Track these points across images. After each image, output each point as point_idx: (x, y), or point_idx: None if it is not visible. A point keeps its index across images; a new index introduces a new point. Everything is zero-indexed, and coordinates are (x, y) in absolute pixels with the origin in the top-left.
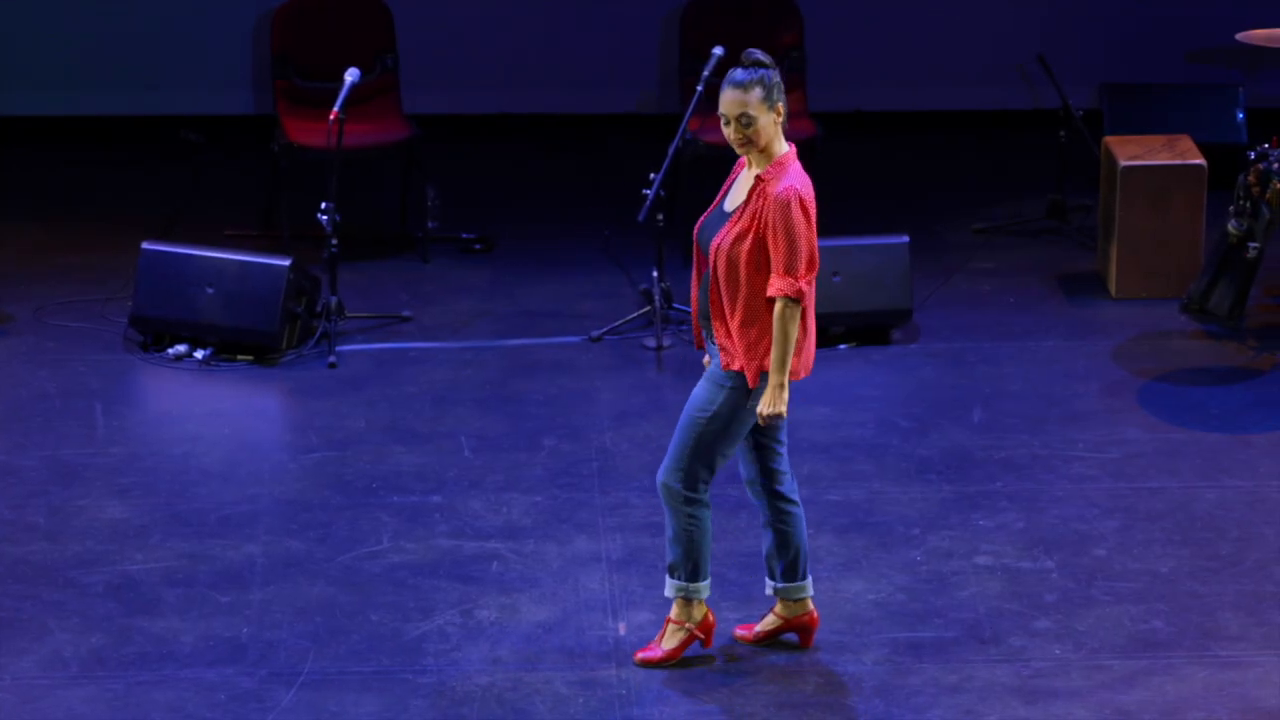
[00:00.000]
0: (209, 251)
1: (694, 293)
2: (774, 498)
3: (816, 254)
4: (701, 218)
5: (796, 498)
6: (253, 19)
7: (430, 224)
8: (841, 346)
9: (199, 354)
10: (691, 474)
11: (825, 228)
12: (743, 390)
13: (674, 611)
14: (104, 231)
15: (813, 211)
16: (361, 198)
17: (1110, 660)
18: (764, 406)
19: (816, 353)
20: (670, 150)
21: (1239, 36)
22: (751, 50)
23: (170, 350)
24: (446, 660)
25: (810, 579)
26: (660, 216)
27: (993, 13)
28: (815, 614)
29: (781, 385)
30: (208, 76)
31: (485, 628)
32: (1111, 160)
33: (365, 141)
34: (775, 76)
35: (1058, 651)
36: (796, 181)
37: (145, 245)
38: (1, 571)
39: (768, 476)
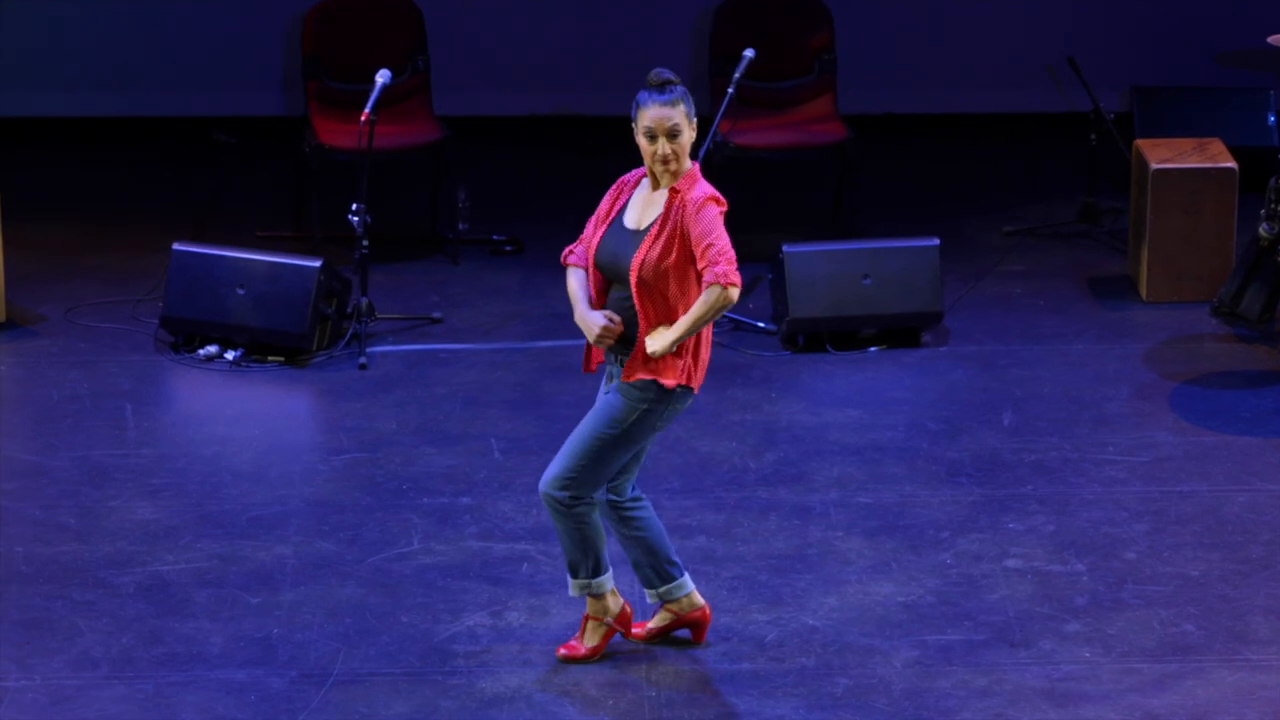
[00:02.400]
0: (240, 253)
1: (586, 313)
2: (615, 508)
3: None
4: (595, 239)
5: (638, 497)
6: (284, 20)
7: (461, 226)
8: (872, 349)
9: (229, 355)
10: (583, 484)
11: (856, 230)
12: (658, 402)
13: (591, 608)
14: (135, 232)
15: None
16: (392, 199)
17: (1140, 664)
18: (653, 344)
19: (846, 355)
20: (700, 153)
21: (1270, 39)
22: (661, 70)
23: (201, 351)
24: (476, 662)
25: (686, 574)
26: None
27: (1023, 15)
28: (707, 609)
29: (675, 342)
30: (239, 78)
31: (515, 629)
32: (1142, 163)
33: (396, 143)
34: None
35: (1088, 655)
36: (708, 188)
37: (176, 246)
38: (32, 572)
39: (613, 491)
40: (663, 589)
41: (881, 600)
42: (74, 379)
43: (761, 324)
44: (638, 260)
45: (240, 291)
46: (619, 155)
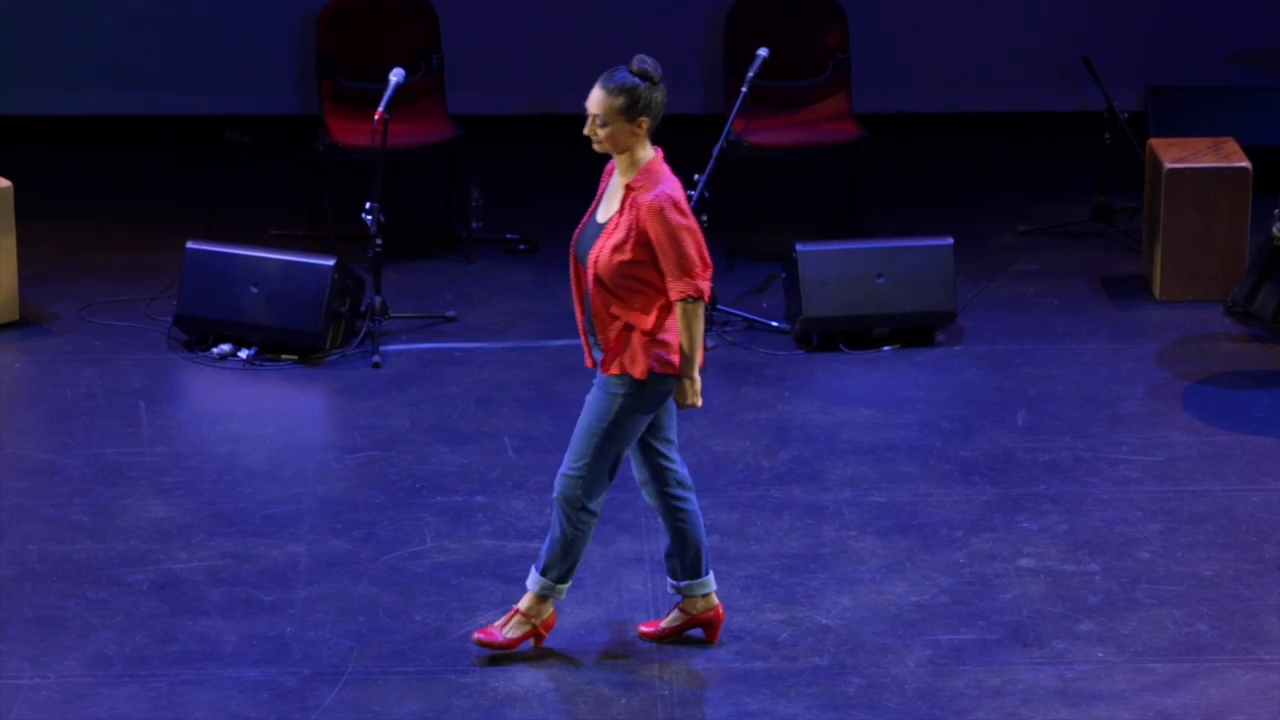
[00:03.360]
0: (253, 251)
1: (578, 307)
2: (667, 498)
3: (705, 249)
4: (576, 231)
5: (688, 492)
6: (297, 19)
7: (474, 224)
8: (885, 348)
9: (243, 353)
10: (592, 482)
11: (870, 229)
12: (635, 393)
13: (525, 604)
14: (149, 231)
15: (688, 209)
16: (406, 198)
17: (1154, 663)
18: (682, 400)
19: (859, 354)
20: (715, 151)
21: None
22: (643, 58)
23: (214, 350)
24: (489, 660)
25: (711, 574)
26: (705, 217)
27: (1037, 15)
28: (720, 609)
29: (693, 379)
30: (253, 76)
31: None
32: (1156, 163)
33: (410, 141)
34: (653, 94)
35: (1101, 654)
36: (666, 186)
37: (190, 245)
38: (46, 570)
39: (659, 477)
40: (685, 584)
41: (895, 599)
42: (88, 377)
43: (775, 323)
44: (593, 256)
45: (254, 290)
46: None
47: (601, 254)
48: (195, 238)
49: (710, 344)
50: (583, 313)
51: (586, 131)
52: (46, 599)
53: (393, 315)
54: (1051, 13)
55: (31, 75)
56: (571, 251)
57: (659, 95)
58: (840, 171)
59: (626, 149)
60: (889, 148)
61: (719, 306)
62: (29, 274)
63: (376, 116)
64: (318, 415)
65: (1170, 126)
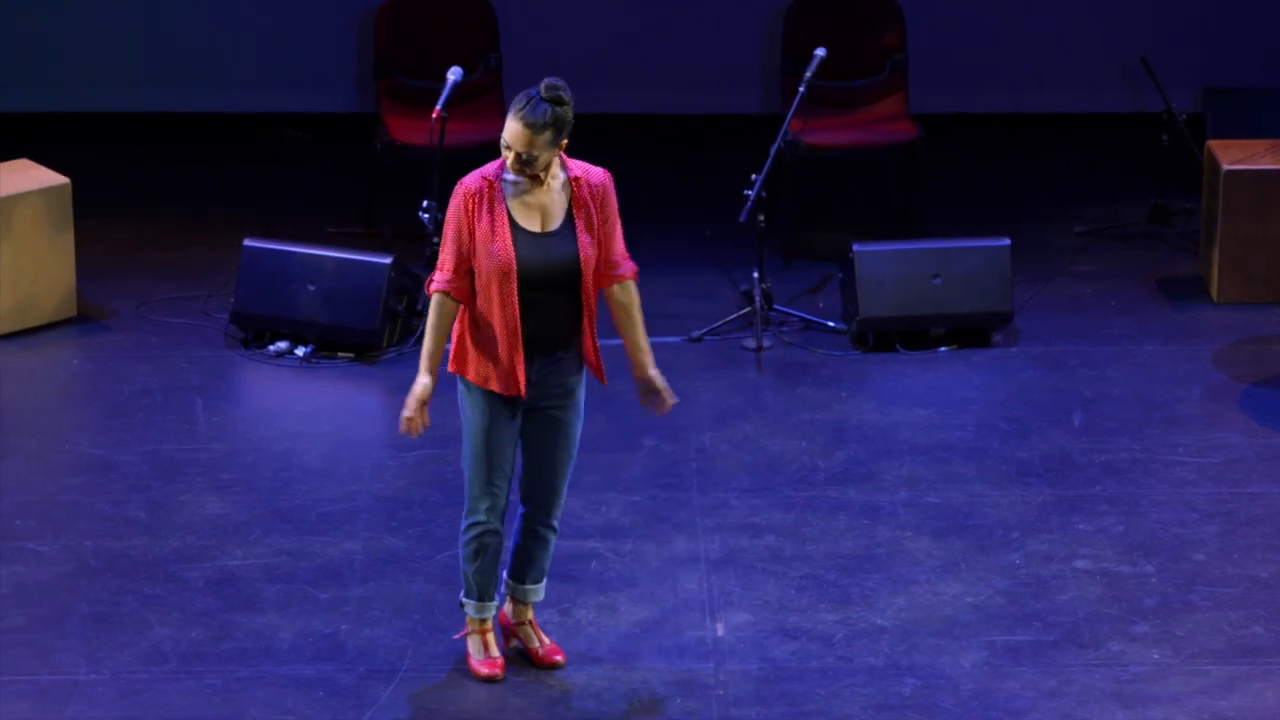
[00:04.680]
0: (310, 249)
1: (509, 331)
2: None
3: None
4: (504, 250)
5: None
6: (356, 17)
7: None
8: (942, 349)
9: (299, 351)
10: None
11: (926, 230)
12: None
13: (532, 614)
14: (207, 228)
15: None
16: None
17: (1209, 665)
18: (667, 393)
19: (916, 354)
20: (772, 151)
21: None
22: (554, 81)
23: (271, 347)
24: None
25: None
26: (761, 217)
27: (1096, 15)
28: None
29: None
30: (311, 74)
31: (583, 627)
32: (1214, 164)
33: (467, 140)
34: (569, 112)
35: (1156, 656)
36: (598, 168)
37: (247, 242)
38: (102, 566)
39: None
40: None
41: (950, 600)
42: (144, 374)
43: (831, 323)
44: (586, 259)
45: (311, 288)
46: (684, 153)
47: (589, 254)
48: (253, 235)
49: (767, 344)
50: (521, 333)
51: (510, 167)
52: (102, 595)
53: None
54: (1110, 14)
55: (92, 72)
56: (507, 270)
57: (572, 109)
58: (897, 172)
59: (549, 165)
60: (946, 148)
61: (776, 306)
62: (87, 270)
63: (434, 115)
64: (374, 413)
65: (1228, 128)
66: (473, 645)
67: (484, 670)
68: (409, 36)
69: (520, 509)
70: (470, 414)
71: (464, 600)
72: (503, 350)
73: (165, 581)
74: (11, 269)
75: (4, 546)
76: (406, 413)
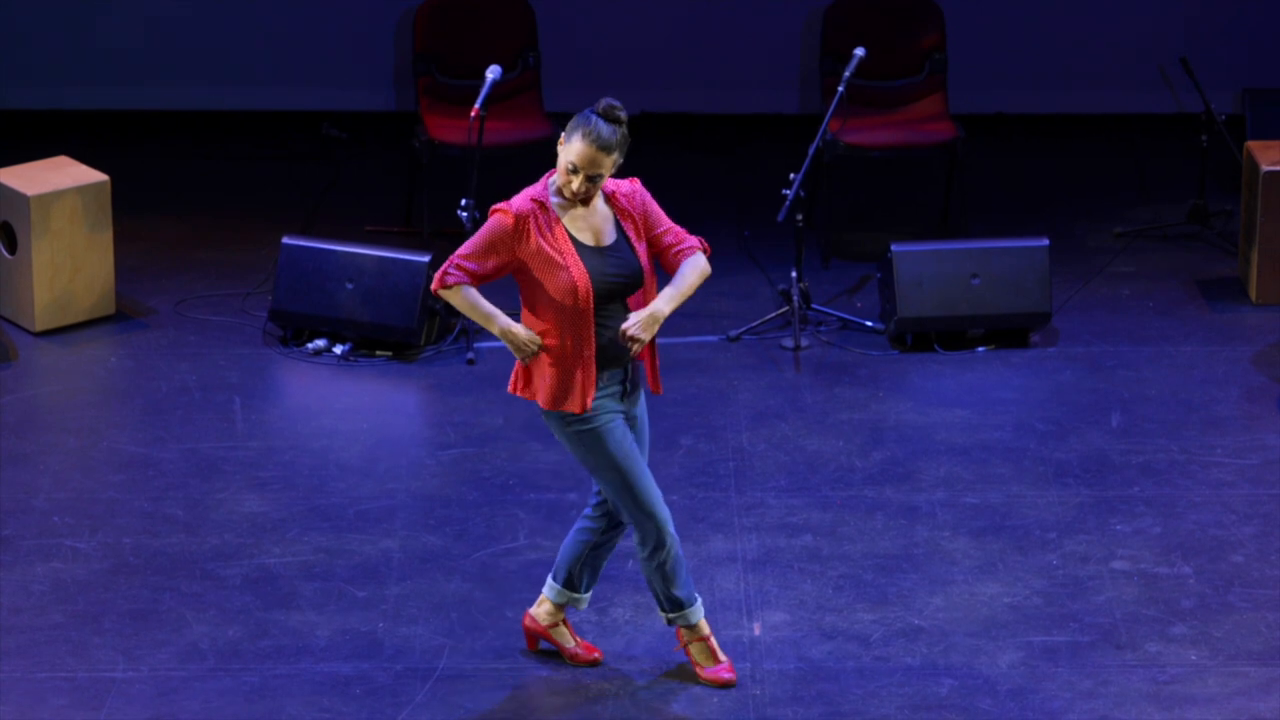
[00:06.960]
0: (349, 247)
1: (584, 346)
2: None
3: None
4: (577, 272)
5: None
6: (396, 16)
7: None
8: (980, 349)
9: (338, 349)
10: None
11: (965, 230)
12: None
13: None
14: (245, 226)
15: None
16: (501, 195)
17: (1247, 667)
18: (643, 328)
19: (954, 355)
20: (810, 151)
21: None
22: (612, 102)
23: (309, 345)
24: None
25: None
26: (799, 217)
27: (1135, 16)
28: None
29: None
30: (351, 73)
31: (620, 626)
32: (1254, 165)
33: (506, 139)
34: (627, 132)
35: (1194, 658)
36: (622, 178)
37: (286, 240)
38: (140, 563)
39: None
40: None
41: (987, 601)
42: (183, 371)
43: (869, 323)
44: (647, 267)
45: (349, 286)
46: (722, 152)
47: (646, 263)
48: (292, 233)
49: (805, 343)
50: (595, 347)
51: (575, 189)
52: (140, 592)
53: None
54: (1149, 14)
55: (131, 70)
56: (588, 291)
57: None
58: (936, 172)
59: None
60: (985, 148)
61: (814, 306)
62: (126, 268)
63: (473, 113)
64: (412, 411)
65: (1268, 129)
66: (698, 652)
67: (724, 675)
68: (448, 35)
69: (589, 514)
70: (593, 444)
71: (685, 612)
72: (575, 367)
73: (203, 579)
74: (50, 266)
75: (43, 544)
76: (521, 337)
